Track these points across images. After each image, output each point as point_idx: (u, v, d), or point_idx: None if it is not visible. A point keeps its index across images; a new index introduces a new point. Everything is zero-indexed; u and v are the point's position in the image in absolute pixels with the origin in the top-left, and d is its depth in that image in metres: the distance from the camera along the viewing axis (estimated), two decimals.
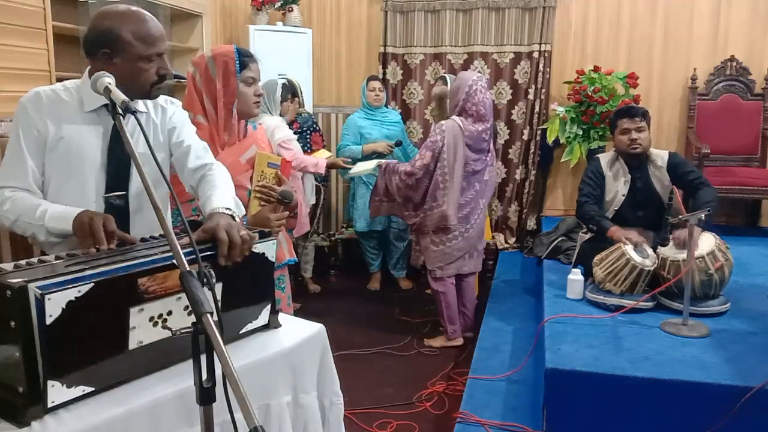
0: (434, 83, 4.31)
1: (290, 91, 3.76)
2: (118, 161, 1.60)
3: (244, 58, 1.96)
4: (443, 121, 3.37)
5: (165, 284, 1.18)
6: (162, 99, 1.74)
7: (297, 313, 2.18)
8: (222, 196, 1.52)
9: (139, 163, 1.18)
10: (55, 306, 1.02)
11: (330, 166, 3.82)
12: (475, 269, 3.59)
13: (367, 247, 4.58)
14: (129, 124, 1.62)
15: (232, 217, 1.43)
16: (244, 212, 1.65)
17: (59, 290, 1.02)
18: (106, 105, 1.58)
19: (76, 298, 1.04)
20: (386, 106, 4.61)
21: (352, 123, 4.39)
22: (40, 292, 1.01)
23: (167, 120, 1.70)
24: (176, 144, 1.70)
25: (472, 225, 3.43)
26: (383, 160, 3.62)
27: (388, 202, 3.53)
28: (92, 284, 1.06)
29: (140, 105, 1.67)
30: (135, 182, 1.63)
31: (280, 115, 3.66)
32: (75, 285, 1.04)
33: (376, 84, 4.39)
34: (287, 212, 2.00)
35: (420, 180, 3.37)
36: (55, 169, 1.57)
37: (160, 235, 1.42)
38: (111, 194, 1.60)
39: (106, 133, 1.60)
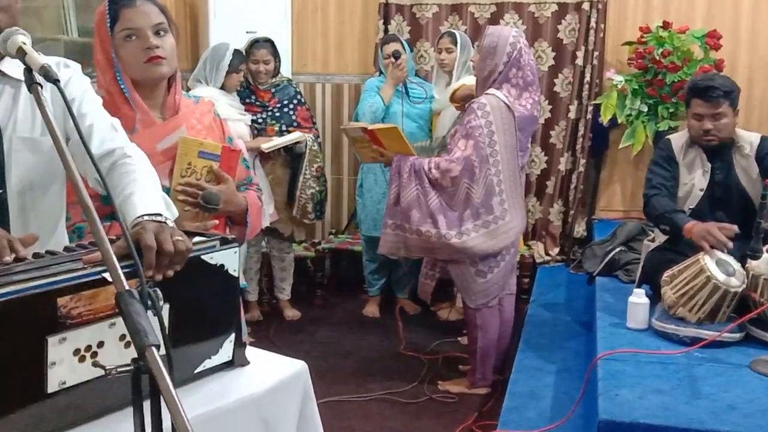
0: (439, 40, 4.32)
1: (242, 60, 4.03)
2: None
3: (115, 6, 1.86)
4: (482, 99, 3.23)
5: (93, 306, 1.18)
6: (53, 61, 1.65)
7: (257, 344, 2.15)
8: (147, 197, 1.48)
9: (64, 150, 1.17)
10: None
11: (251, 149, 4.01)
12: (513, 289, 3.60)
13: (369, 261, 4.59)
14: (1, 95, 1.56)
15: (165, 224, 1.42)
16: (177, 213, 1.61)
17: None
18: None
19: None
20: (417, 75, 4.60)
21: (372, 86, 4.39)
22: None
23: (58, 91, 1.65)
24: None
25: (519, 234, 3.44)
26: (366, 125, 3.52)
27: (402, 231, 3.31)
28: None
29: (12, 67, 1.58)
30: (16, 176, 1.58)
31: (222, 87, 3.91)
32: None
33: (392, 47, 4.24)
34: (214, 221, 1.91)
35: (457, 182, 3.21)
36: None
37: (90, 243, 1.42)
38: None
39: None
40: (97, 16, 1.91)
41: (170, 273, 1.28)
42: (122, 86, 1.89)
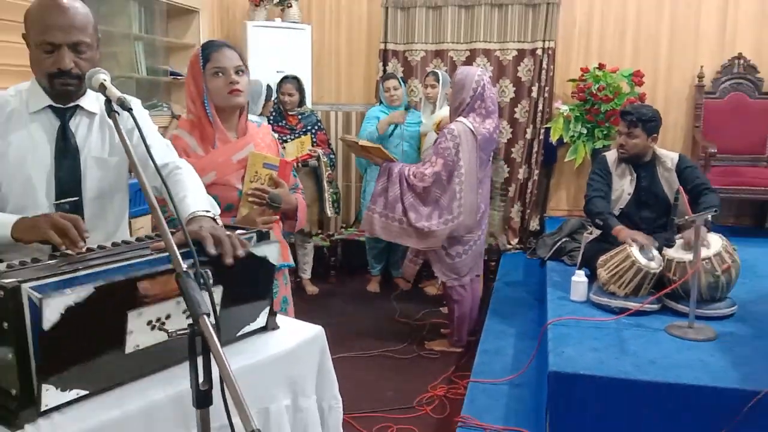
0: (425, 78, 4.32)
1: (271, 93, 4.05)
2: (68, 165, 1.57)
3: (207, 51, 1.92)
4: (452, 125, 3.24)
5: (166, 288, 1.17)
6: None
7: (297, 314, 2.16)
8: (197, 198, 1.49)
9: (137, 164, 1.18)
10: (53, 311, 1.01)
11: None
12: (481, 271, 3.60)
13: (371, 249, 4.60)
14: (79, 125, 1.59)
15: (214, 220, 1.42)
16: (219, 211, 1.63)
17: (58, 296, 1.01)
18: (50, 106, 1.57)
19: (75, 303, 1.03)
20: (412, 107, 4.59)
21: (372, 115, 4.40)
22: (38, 296, 1.00)
23: (124, 120, 1.59)
24: (136, 144, 1.58)
25: (483, 230, 3.44)
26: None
27: (386, 218, 3.31)
28: (92, 290, 1.05)
29: (89, 103, 1.62)
30: (89, 187, 1.60)
31: (260, 114, 3.90)
32: (74, 290, 1.03)
33: (391, 83, 4.35)
34: (276, 216, 1.99)
35: (428, 189, 3.24)
36: (6, 177, 1.53)
37: (156, 235, 1.42)
38: (62, 201, 1.56)
39: (53, 136, 1.56)
40: (192, 58, 1.96)
41: (241, 253, 1.27)
42: (208, 111, 1.93)
